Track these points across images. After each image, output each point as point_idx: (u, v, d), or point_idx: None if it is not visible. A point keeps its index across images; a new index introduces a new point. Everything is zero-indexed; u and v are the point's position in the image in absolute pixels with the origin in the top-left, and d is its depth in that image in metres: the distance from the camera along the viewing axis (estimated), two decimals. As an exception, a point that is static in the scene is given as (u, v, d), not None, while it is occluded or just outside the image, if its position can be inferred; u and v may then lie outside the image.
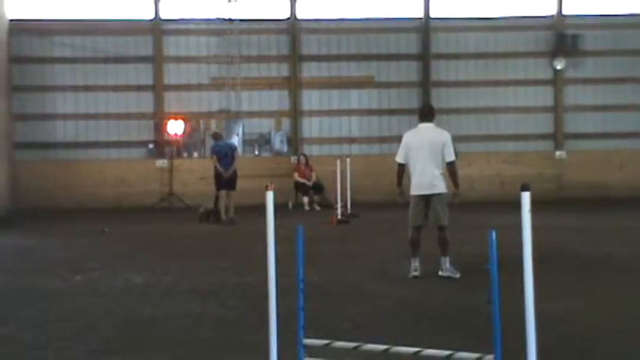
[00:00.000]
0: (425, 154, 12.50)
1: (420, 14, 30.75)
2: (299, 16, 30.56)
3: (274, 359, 6.69)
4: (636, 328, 8.96)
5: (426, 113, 13.13)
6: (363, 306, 10.49)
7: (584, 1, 30.94)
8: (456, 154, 12.85)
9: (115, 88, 30.03)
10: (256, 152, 30.32)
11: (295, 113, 30.60)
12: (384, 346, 6.53)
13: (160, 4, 30.19)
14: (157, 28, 30.23)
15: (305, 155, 28.91)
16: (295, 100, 30.53)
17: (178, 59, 30.34)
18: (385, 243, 17.04)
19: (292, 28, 30.52)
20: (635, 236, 17.77)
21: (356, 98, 30.83)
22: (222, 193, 22.77)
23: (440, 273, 12.55)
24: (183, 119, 29.14)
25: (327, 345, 6.66)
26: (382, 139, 30.28)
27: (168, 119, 29.17)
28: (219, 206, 22.87)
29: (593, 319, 9.48)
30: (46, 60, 29.88)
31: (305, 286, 6.66)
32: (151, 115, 30.26)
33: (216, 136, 24.30)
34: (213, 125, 30.06)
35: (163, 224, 23.17)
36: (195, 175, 28.96)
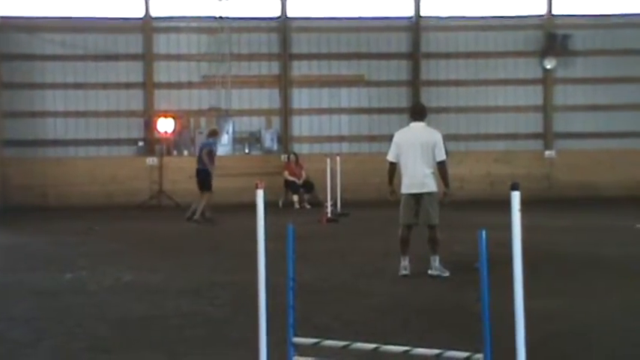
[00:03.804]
0: (416, 153, 12.52)
1: (411, 13, 30.77)
2: (290, 14, 30.55)
3: (264, 357, 6.69)
4: (626, 327, 8.99)
5: (418, 112, 13.16)
6: (353, 304, 10.50)
7: (574, 0, 31.00)
8: (447, 153, 12.87)
9: (105, 86, 29.97)
10: (246, 150, 30.31)
11: (285, 111, 30.60)
12: (374, 345, 6.54)
13: (151, 2, 30.13)
14: (147, 26, 30.19)
15: (295, 154, 28.92)
16: (286, 99, 30.53)
17: (169, 57, 30.31)
18: (375, 241, 17.03)
19: (283, 26, 30.51)
20: (626, 236, 17.81)
21: (346, 97, 30.84)
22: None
23: (429, 272, 12.57)
24: (174, 117, 29.11)
25: (316, 344, 6.66)
26: (372, 138, 30.29)
27: (159, 117, 29.13)
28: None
29: (582, 318, 9.51)
30: (36, 57, 29.79)
31: (295, 285, 6.67)
32: (141, 112, 30.21)
33: (208, 133, 24.11)
34: (203, 123, 30.07)
35: (153, 222, 23.17)
36: (185, 173, 28.78)
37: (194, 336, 8.82)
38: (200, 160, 22.67)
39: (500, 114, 30.90)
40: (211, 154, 22.64)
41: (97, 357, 8.03)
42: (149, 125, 29.71)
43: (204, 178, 22.46)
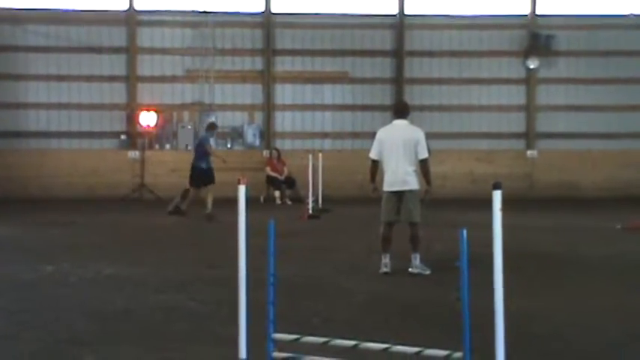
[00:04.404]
0: (398, 151, 12.53)
1: (395, 11, 30.84)
2: (274, 10, 30.57)
3: (243, 353, 6.70)
4: (605, 327, 9.03)
5: (401, 110, 13.18)
6: (333, 301, 10.51)
7: (558, 1, 31.12)
8: (429, 151, 12.89)
9: (88, 79, 29.93)
10: (229, 145, 30.28)
11: (268, 107, 30.62)
12: (354, 342, 6.56)
13: (135, -5, 30.14)
14: (131, 19, 30.14)
15: (277, 149, 28.94)
16: (269, 94, 30.55)
17: (152, 50, 30.28)
18: (356, 238, 17.07)
19: (267, 21, 30.52)
20: (606, 236, 17.89)
21: (329, 93, 30.88)
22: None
23: (410, 269, 12.59)
24: (156, 111, 29.09)
25: (296, 340, 6.68)
26: (355, 135, 30.36)
27: (141, 110, 29.11)
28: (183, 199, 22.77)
29: (562, 317, 9.54)
30: (19, 49, 29.73)
31: (275, 281, 6.68)
32: (124, 106, 30.19)
33: (206, 127, 23.77)
34: (186, 117, 30.10)
35: (135, 216, 23.15)
36: (167, 166, 28.94)
37: (175, 330, 8.81)
38: (197, 155, 22.33)
39: (483, 113, 31.01)
40: (209, 148, 22.37)
41: (77, 350, 8.01)
42: (132, 118, 29.67)
43: (201, 174, 22.13)
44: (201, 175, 22.05)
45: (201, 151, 22.27)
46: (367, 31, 30.98)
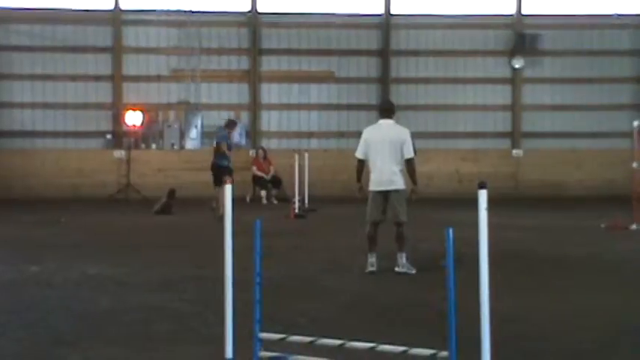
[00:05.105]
0: (384, 151, 12.54)
1: (381, 11, 30.85)
2: (260, 9, 30.54)
3: (230, 352, 6.70)
4: (591, 327, 9.05)
5: (386, 109, 13.18)
6: (320, 301, 10.51)
7: (544, 1, 31.19)
8: (415, 150, 12.90)
9: (74, 78, 29.85)
10: (215, 145, 30.16)
11: (254, 106, 30.60)
12: (340, 341, 6.56)
13: (120, -6, 30.08)
14: (116, 19, 30.08)
15: (264, 149, 28.89)
16: (255, 94, 30.52)
17: (138, 50, 30.22)
18: (342, 238, 17.06)
19: (253, 21, 30.50)
20: (591, 236, 17.93)
21: (315, 93, 30.87)
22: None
23: (396, 269, 12.59)
24: (142, 110, 29.03)
25: (282, 339, 6.68)
26: (341, 134, 30.37)
27: (127, 110, 29.05)
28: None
29: (548, 317, 9.56)
30: (3, 48, 29.64)
31: (261, 280, 6.68)
32: (110, 105, 30.12)
33: (225, 124, 23.09)
34: (172, 116, 30.05)
35: (120, 215, 23.09)
36: (153, 166, 28.90)
37: (161, 331, 8.79)
38: (216, 153, 21.84)
39: (468, 112, 31.07)
40: (228, 146, 21.56)
41: (62, 351, 7.98)
42: (117, 118, 29.61)
43: (218, 173, 21.61)
44: (221, 174, 21.37)
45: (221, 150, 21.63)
46: (353, 30, 31.00)
